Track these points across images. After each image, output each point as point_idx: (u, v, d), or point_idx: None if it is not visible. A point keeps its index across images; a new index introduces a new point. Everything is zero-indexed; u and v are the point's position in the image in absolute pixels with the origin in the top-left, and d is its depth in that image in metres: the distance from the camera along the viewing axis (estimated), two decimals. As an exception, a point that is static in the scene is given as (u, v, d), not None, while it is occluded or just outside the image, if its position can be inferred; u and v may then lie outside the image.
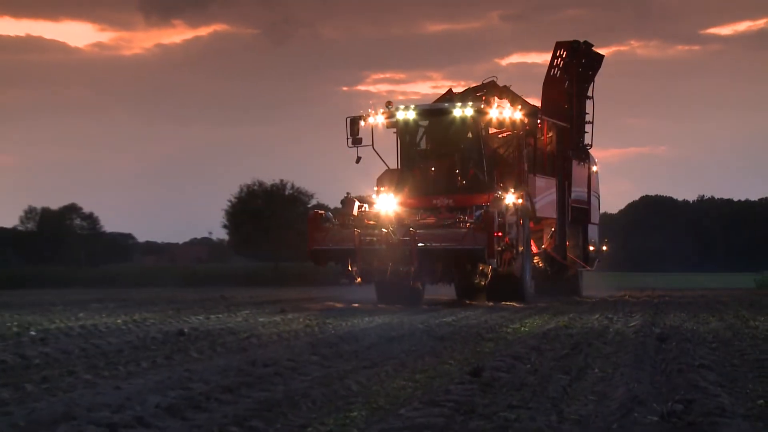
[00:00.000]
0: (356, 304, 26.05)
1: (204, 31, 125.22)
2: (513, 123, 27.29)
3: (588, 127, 33.44)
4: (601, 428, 6.72)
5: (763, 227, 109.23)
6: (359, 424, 7.01)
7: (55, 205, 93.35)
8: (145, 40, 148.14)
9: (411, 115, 27.88)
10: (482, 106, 26.90)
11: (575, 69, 31.62)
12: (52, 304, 26.79)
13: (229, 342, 14.38)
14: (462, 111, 26.49)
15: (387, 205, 26.12)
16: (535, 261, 29.59)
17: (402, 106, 27.50)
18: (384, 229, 25.73)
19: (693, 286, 44.59)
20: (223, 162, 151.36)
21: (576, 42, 31.12)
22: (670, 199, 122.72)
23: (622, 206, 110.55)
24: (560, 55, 31.47)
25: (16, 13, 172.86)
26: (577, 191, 32.32)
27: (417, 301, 27.35)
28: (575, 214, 31.93)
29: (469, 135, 28.25)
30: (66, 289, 45.40)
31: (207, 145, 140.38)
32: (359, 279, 26.81)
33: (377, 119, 27.66)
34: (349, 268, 26.21)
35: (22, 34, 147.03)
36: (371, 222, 26.24)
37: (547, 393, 8.43)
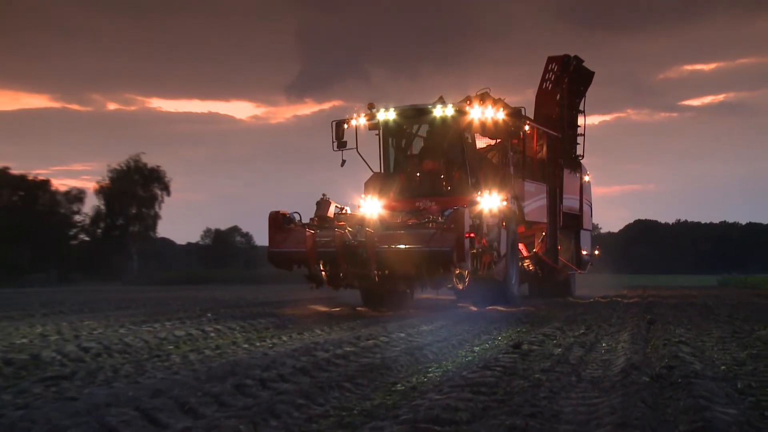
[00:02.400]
0: (337, 308, 18.52)
1: (326, 105, 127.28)
2: (496, 124, 19.40)
3: (580, 139, 25.56)
4: (608, 386, 6.60)
5: (722, 243, 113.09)
6: (434, 381, 6.99)
7: (223, 226, 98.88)
8: (286, 112, 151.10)
9: (391, 116, 20.09)
10: (463, 106, 19.23)
11: (566, 82, 24.36)
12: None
13: (340, 322, 14.04)
14: (442, 111, 19.18)
15: (371, 208, 18.29)
16: (525, 264, 21.66)
17: (383, 108, 20.08)
18: (338, 230, 17.47)
19: (673, 285, 43.86)
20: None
21: (567, 56, 24.29)
22: (656, 221, 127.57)
23: (621, 227, 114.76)
24: (552, 69, 24.26)
25: (203, 97, 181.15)
26: (569, 198, 24.18)
27: (404, 305, 19.47)
28: (567, 220, 24.04)
29: (451, 136, 20.15)
30: (230, 285, 45.64)
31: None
32: (325, 283, 18.40)
33: (359, 121, 20.17)
34: (316, 271, 17.90)
35: (205, 111, 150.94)
36: (341, 223, 18.04)
37: (569, 361, 8.33)
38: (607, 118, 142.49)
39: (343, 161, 20.23)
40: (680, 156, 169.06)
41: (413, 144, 21.25)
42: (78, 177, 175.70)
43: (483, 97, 19.57)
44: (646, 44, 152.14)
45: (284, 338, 11.36)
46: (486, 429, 4.98)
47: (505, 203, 18.54)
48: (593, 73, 25.65)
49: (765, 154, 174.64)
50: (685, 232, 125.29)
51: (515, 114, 19.89)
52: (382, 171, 20.77)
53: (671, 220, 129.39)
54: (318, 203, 18.82)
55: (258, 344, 10.49)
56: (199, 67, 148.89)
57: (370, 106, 20.21)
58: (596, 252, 29.68)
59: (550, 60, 24.42)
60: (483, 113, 19.13)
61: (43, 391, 6.73)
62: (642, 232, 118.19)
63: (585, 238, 26.50)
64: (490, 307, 17.65)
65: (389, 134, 20.83)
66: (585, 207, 26.14)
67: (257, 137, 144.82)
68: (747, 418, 5.22)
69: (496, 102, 19.67)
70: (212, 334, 11.71)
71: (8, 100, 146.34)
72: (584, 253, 26.22)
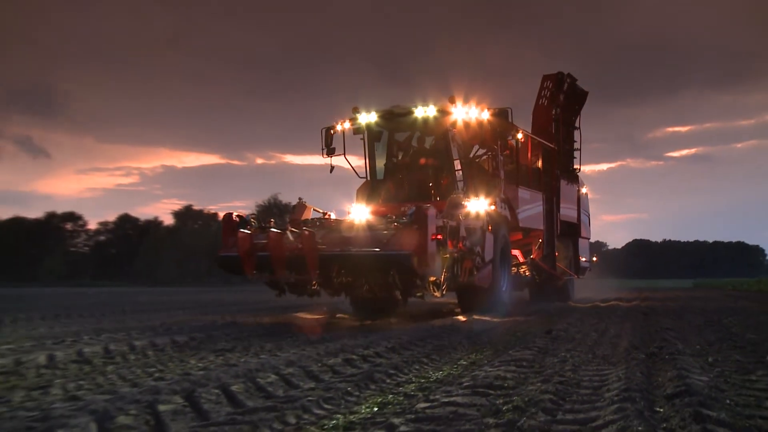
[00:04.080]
0: (318, 316, 13.31)
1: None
2: (482, 126, 14.34)
3: (576, 154, 20.98)
4: (616, 361, 6.63)
5: (696, 255, 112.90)
6: (489, 358, 7.04)
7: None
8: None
9: (373, 118, 15.15)
10: (446, 106, 14.23)
11: (561, 99, 19.93)
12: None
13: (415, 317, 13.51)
14: (424, 111, 14.32)
15: (358, 213, 13.11)
16: (522, 270, 16.90)
17: (364, 111, 15.17)
18: (274, 231, 12.00)
19: (660, 287, 42.96)
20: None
21: (561, 74, 19.95)
22: (648, 240, 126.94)
23: (623, 244, 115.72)
24: (547, 86, 19.95)
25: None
26: (567, 208, 19.61)
27: (394, 312, 13.90)
28: (565, 228, 19.38)
29: (436, 138, 15.15)
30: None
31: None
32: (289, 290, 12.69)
33: (344, 126, 15.16)
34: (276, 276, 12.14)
35: (323, 163, 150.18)
36: (306, 227, 12.29)
37: (586, 342, 8.31)
38: (612, 165, 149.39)
39: (332, 167, 14.87)
40: (665, 192, 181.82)
41: (400, 148, 15.90)
42: (237, 211, 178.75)
43: (467, 97, 14.36)
44: (639, 112, 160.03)
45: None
46: (526, 392, 5.07)
47: (492, 207, 13.58)
48: (587, 92, 21.06)
49: (724, 190, 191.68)
50: (670, 247, 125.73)
51: (501, 114, 14.76)
52: (368, 177, 15.47)
53: (659, 239, 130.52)
54: (293, 207, 14.16)
55: (359, 330, 10.21)
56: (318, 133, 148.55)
57: (355, 110, 15.04)
58: (594, 259, 25.11)
59: (546, 78, 20.13)
60: (467, 113, 14.14)
61: (215, 359, 7.04)
62: (638, 247, 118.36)
63: (583, 246, 21.64)
64: (477, 316, 12.06)
65: (373, 139, 15.54)
66: (583, 217, 21.38)
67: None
68: (715, 383, 5.34)
69: (480, 103, 14.61)
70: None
71: (193, 158, 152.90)
72: (583, 260, 21.51)
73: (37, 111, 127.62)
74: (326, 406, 4.77)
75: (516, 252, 16.34)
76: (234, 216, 12.20)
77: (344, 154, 14.95)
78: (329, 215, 13.78)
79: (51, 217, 70.79)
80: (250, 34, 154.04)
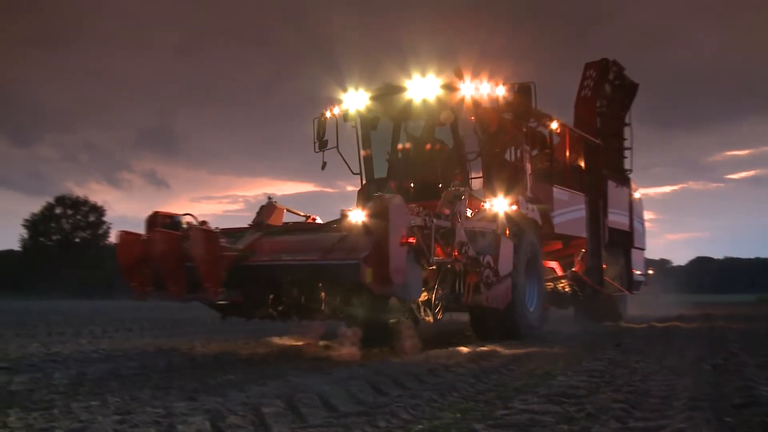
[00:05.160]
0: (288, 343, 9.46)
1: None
2: (497, 104, 10.34)
3: (628, 154, 16.82)
4: (683, 371, 6.40)
5: (755, 272, 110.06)
6: (563, 369, 6.85)
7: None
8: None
9: (363, 99, 11.15)
10: (453, 81, 10.24)
11: (606, 89, 16.14)
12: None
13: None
14: (424, 88, 10.31)
15: (354, 217, 7.28)
16: (560, 285, 13.04)
17: (351, 88, 11.24)
18: (162, 232, 7.81)
19: (723, 301, 41.31)
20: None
21: (605, 60, 15.92)
22: (710, 257, 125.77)
23: (686, 261, 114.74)
24: (590, 75, 16.00)
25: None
26: (616, 213, 15.44)
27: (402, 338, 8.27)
28: (614, 236, 15.16)
29: (441, 122, 10.78)
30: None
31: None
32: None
33: (335, 112, 11.27)
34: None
35: None
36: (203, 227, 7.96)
37: (654, 354, 8.05)
38: (675, 187, 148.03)
39: (324, 163, 10.91)
40: (726, 212, 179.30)
41: (401, 137, 11.56)
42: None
43: (476, 71, 10.26)
44: (699, 136, 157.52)
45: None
46: (598, 401, 4.92)
47: (514, 208, 10.04)
48: (637, 84, 16.79)
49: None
50: (731, 264, 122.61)
51: (523, 91, 10.29)
52: (362, 174, 11.59)
53: (721, 256, 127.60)
54: (260, 207, 9.66)
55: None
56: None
57: (341, 91, 11.14)
58: (650, 272, 20.34)
59: (588, 66, 16.08)
60: (477, 89, 10.10)
61: (310, 368, 6.71)
62: (700, 264, 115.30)
63: (637, 257, 17.18)
64: (488, 347, 8.61)
65: (368, 126, 11.49)
66: (636, 224, 16.92)
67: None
68: (783, 394, 5.03)
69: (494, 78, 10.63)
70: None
71: (290, 187, 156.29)
72: (637, 273, 16.99)
73: (160, 149, 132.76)
74: None
75: (553, 264, 13.03)
76: (161, 215, 8.39)
77: (337, 147, 11.04)
78: (314, 218, 10.13)
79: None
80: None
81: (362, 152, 11.67)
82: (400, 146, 11.50)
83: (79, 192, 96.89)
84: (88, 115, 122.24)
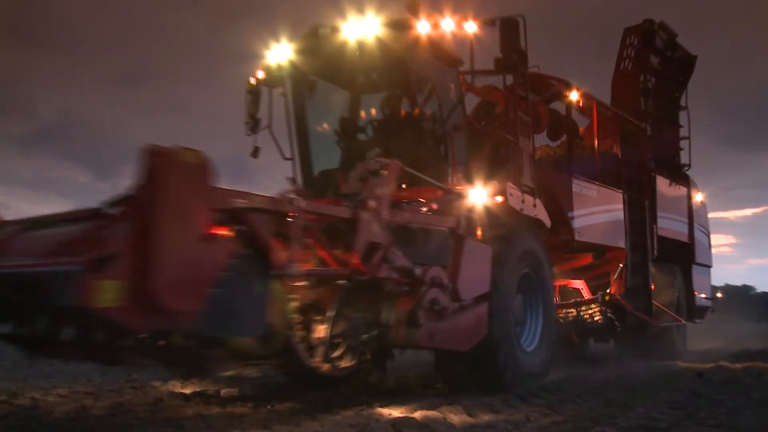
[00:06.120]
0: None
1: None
2: (472, 49, 6.51)
3: (684, 144, 12.74)
4: (774, 406, 5.95)
5: None
6: (641, 399, 6.55)
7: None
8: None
9: (287, 53, 7.19)
10: (407, 19, 6.54)
11: (652, 60, 12.01)
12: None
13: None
14: (363, 29, 6.38)
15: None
16: (589, 313, 9.25)
17: (275, 44, 7.22)
18: None
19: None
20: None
21: (649, 22, 11.73)
22: None
23: None
24: (631, 43, 11.97)
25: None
26: (669, 218, 11.45)
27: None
28: (667, 249, 11.21)
29: (390, 77, 7.16)
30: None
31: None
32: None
33: (259, 76, 7.42)
34: None
35: None
36: None
37: (740, 385, 7.60)
38: (757, 210, 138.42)
39: (256, 149, 7.65)
40: None
41: (335, 102, 8.33)
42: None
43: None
44: None
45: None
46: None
47: (500, 199, 7.01)
48: (695, 57, 12.81)
49: None
50: None
51: (507, 27, 6.72)
52: (295, 157, 7.91)
53: None
54: None
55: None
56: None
57: (264, 47, 7.69)
58: (718, 295, 15.63)
59: (628, 32, 12.08)
60: (435, 26, 6.95)
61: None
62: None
63: (700, 276, 12.89)
64: (436, 411, 5.23)
65: (301, 94, 7.85)
66: (698, 234, 12.79)
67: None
68: None
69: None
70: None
71: None
72: (702, 296, 12.84)
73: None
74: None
75: (578, 284, 9.79)
76: None
77: (270, 126, 7.76)
78: None
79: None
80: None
81: (294, 125, 7.83)
82: (336, 113, 8.04)
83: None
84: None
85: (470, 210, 6.37)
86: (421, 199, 6.39)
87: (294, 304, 4.93)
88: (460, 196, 6.38)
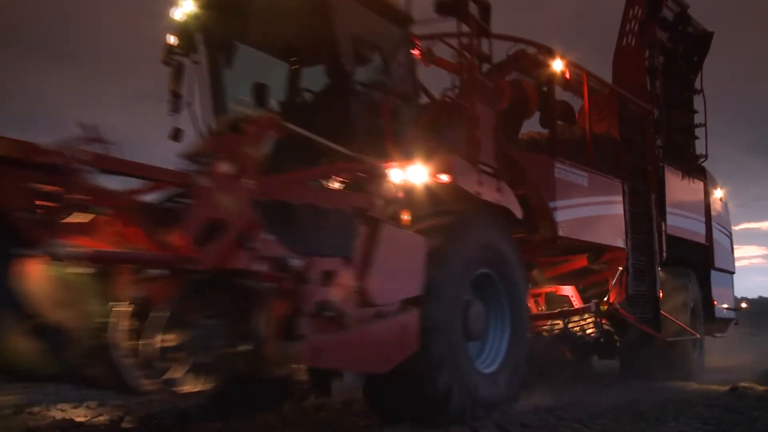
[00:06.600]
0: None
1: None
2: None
3: (699, 132, 10.60)
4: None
5: None
6: (674, 413, 6.38)
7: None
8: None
9: (194, 9, 5.17)
10: None
11: (660, 34, 9.88)
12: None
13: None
14: None
15: None
16: (581, 326, 7.57)
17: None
18: None
19: None
20: None
21: None
22: None
23: None
24: (633, 16, 9.66)
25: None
26: (681, 216, 9.43)
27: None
28: (680, 251, 9.28)
29: (310, 27, 5.07)
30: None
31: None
32: None
33: (171, 42, 5.15)
34: None
35: None
36: None
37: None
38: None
39: (176, 131, 5.51)
40: None
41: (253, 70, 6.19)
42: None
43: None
44: None
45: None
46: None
47: (445, 178, 5.29)
48: (711, 33, 10.96)
49: None
50: None
51: None
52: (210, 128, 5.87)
53: None
54: None
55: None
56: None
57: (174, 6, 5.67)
58: (743, 305, 13.76)
59: (631, 3, 10.04)
60: None
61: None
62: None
63: (721, 283, 11.15)
64: None
65: (218, 59, 5.93)
66: (718, 236, 11.01)
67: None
68: None
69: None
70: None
71: None
72: (723, 306, 11.15)
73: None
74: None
75: (567, 289, 8.29)
76: None
77: (190, 103, 5.86)
78: None
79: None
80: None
81: (212, 97, 6.06)
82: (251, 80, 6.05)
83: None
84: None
85: (397, 189, 4.87)
86: (334, 176, 5.02)
87: (112, 303, 3.17)
88: (382, 170, 4.86)
